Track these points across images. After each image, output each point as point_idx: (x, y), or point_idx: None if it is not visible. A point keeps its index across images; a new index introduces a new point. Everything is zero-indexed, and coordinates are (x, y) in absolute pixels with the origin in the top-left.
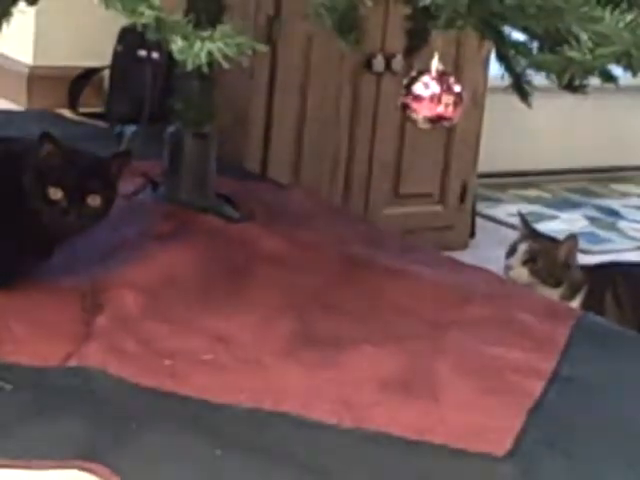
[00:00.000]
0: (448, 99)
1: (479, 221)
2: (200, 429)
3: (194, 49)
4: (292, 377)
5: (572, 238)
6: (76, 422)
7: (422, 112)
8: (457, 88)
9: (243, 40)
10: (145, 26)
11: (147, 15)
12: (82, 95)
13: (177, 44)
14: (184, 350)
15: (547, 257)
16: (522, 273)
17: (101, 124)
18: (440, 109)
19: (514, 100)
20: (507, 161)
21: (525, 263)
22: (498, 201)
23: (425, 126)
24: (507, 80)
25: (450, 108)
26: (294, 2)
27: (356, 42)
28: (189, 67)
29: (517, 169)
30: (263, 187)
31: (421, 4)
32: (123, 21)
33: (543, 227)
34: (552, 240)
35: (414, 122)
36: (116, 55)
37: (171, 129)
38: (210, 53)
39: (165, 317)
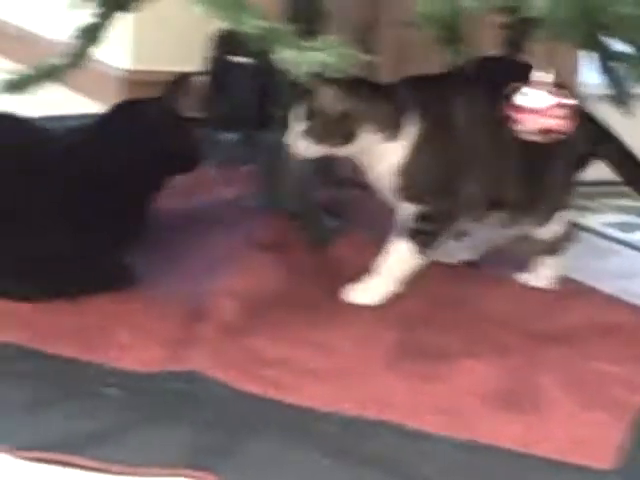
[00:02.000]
0: (557, 111)
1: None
2: (306, 438)
3: (299, 59)
4: (395, 388)
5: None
6: (182, 428)
7: (529, 123)
8: (567, 100)
9: (348, 50)
10: (250, 35)
11: (252, 25)
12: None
13: (282, 54)
14: (287, 359)
15: (317, 111)
16: (303, 145)
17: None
18: (550, 121)
19: (604, 107)
20: (598, 169)
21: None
22: (588, 210)
23: (533, 138)
24: (601, 89)
25: (560, 121)
26: (389, 9)
27: (459, 52)
28: (293, 77)
29: (609, 178)
30: (358, 193)
31: (525, 15)
32: (219, 27)
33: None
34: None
35: (519, 134)
36: (212, 61)
37: (271, 136)
38: (315, 63)
39: (266, 326)
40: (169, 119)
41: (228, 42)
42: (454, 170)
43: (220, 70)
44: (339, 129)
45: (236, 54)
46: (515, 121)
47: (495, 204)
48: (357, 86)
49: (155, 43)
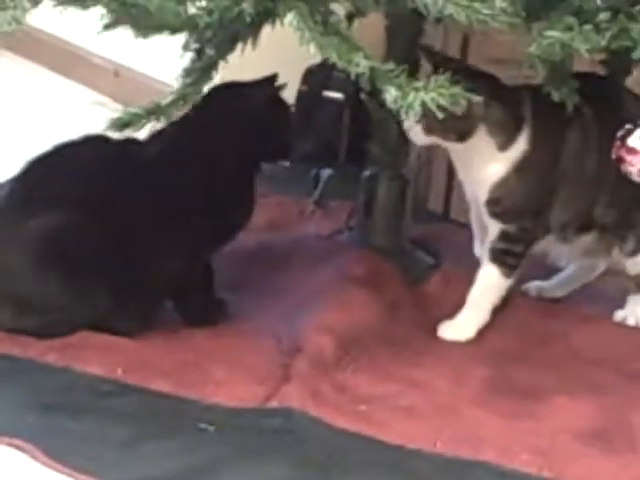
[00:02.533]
0: None
1: None
2: (398, 476)
3: (408, 99)
4: (489, 425)
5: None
6: (278, 464)
7: (637, 165)
8: None
9: (457, 91)
10: (360, 75)
11: (363, 65)
12: None
13: (391, 94)
14: (380, 396)
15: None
16: (417, 132)
17: (284, 163)
18: None
19: None
20: None
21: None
22: None
23: (639, 179)
24: None
25: None
26: (479, 47)
27: (569, 95)
28: (403, 117)
29: None
30: (450, 229)
31: (636, 56)
32: (308, 62)
33: None
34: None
35: (628, 174)
36: (300, 95)
37: (367, 173)
38: (424, 103)
39: (360, 362)
40: (272, 102)
41: (316, 77)
42: (549, 195)
43: (306, 104)
44: (456, 125)
45: (324, 89)
46: (627, 163)
47: (585, 227)
48: (486, 87)
49: (243, 77)
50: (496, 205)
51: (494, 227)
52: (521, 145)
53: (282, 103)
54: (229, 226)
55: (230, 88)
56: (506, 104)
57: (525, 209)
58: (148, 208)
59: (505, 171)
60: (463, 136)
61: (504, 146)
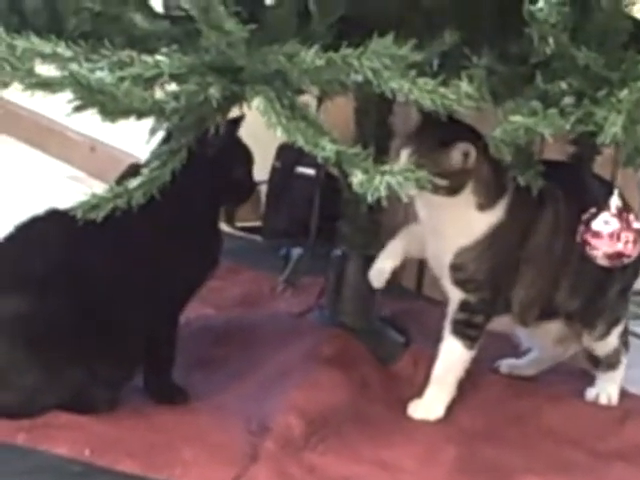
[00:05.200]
0: (628, 236)
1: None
2: None
3: (374, 183)
4: None
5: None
6: None
7: (601, 249)
8: (637, 225)
9: (423, 175)
10: (326, 159)
11: (329, 149)
12: (239, 209)
13: (357, 177)
14: (349, 477)
15: (434, 162)
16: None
17: (257, 238)
18: (619, 246)
19: None
20: None
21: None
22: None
23: (604, 262)
24: None
25: (630, 245)
26: None
27: (534, 178)
28: (369, 200)
29: None
30: (421, 306)
31: (600, 141)
32: (281, 138)
33: None
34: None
35: (593, 258)
36: (274, 171)
37: (337, 252)
38: (390, 186)
39: (330, 443)
40: (233, 145)
41: (289, 153)
42: (514, 271)
43: (279, 180)
44: (451, 179)
45: (297, 165)
46: (592, 246)
47: (548, 313)
48: (478, 145)
49: None
50: (459, 271)
51: (455, 296)
52: (499, 212)
53: (240, 144)
54: (198, 273)
55: None
56: (494, 167)
57: (488, 280)
58: (117, 271)
59: (478, 234)
60: (455, 190)
61: (484, 207)
